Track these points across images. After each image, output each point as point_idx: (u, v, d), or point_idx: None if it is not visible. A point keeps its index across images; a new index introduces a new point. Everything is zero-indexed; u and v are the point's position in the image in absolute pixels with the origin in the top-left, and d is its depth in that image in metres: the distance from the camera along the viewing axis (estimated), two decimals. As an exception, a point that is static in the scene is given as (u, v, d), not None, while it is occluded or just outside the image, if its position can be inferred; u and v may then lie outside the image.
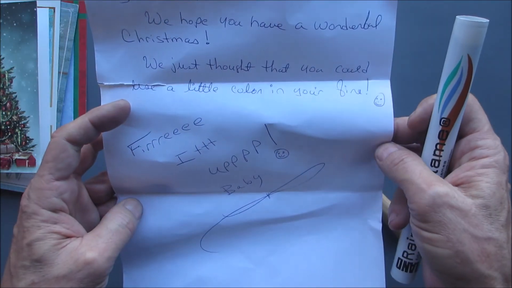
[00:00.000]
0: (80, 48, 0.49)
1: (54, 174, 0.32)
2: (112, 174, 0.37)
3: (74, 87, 0.49)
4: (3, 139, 0.48)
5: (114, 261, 0.33)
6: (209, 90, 0.36)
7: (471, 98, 0.33)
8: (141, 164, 0.37)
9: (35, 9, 0.48)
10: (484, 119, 0.33)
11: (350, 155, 0.38)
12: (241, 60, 0.35)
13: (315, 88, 0.36)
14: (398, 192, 0.36)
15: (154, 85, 0.36)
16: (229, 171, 0.38)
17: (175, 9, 0.34)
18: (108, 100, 0.36)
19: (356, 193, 0.40)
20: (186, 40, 0.35)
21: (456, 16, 0.31)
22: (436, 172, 0.34)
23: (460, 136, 0.34)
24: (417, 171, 0.32)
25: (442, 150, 0.34)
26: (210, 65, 0.35)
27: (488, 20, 0.30)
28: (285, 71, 0.36)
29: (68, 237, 0.32)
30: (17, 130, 0.48)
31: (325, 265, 0.40)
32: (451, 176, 0.33)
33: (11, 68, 0.48)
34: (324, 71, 0.36)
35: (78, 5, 0.49)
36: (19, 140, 0.48)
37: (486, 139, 0.33)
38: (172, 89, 0.36)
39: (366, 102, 0.36)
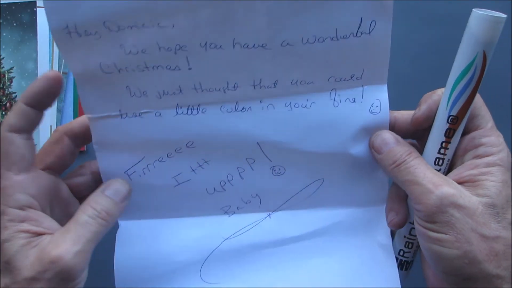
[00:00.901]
0: (80, 48, 0.49)
1: (11, 169, 0.31)
2: None
3: (74, 87, 0.49)
4: (3, 139, 0.48)
5: (88, 255, 0.31)
6: (198, 113, 0.35)
7: None
8: (139, 188, 0.36)
9: (35, 9, 0.48)
10: (488, 115, 0.33)
11: (348, 168, 0.36)
12: (227, 82, 0.34)
13: (307, 100, 0.35)
14: (394, 189, 0.36)
15: (141, 113, 0.35)
16: (226, 190, 0.37)
17: (151, 39, 0.32)
18: (99, 131, 0.35)
19: (360, 208, 0.38)
20: (168, 67, 0.33)
21: (473, 9, 0.29)
22: (439, 170, 0.33)
23: (463, 133, 0.33)
24: (421, 172, 0.32)
25: (448, 149, 0.33)
26: (196, 89, 0.34)
27: (506, 16, 0.29)
28: (275, 87, 0.34)
29: (39, 234, 0.31)
30: (17, 130, 0.48)
31: None
32: (453, 174, 0.32)
33: (11, 68, 0.48)
34: (316, 83, 0.34)
35: (78, 5, 0.49)
36: (19, 140, 0.48)
37: (490, 137, 0.32)
38: (160, 115, 0.35)
39: (361, 111, 0.35)
